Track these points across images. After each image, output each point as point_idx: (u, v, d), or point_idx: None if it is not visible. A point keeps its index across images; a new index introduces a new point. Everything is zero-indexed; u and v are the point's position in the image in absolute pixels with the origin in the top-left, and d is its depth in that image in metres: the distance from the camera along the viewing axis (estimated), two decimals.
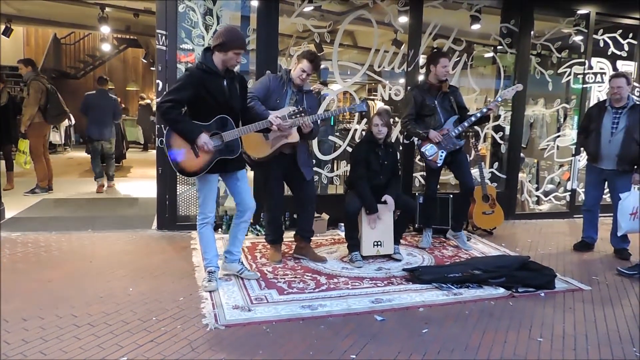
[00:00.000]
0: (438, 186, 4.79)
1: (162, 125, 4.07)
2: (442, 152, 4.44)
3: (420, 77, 5.34)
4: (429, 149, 4.46)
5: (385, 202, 4.10)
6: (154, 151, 4.89)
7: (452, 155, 4.51)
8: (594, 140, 4.51)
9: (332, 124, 6.18)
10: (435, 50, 5.29)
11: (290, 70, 3.86)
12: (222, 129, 3.25)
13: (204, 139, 3.18)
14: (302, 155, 3.91)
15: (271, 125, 3.43)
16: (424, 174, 4.96)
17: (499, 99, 4.59)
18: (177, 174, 4.67)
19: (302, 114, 3.54)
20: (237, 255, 3.61)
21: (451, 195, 4.95)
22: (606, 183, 4.63)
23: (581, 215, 4.96)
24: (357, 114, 5.85)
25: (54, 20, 10.01)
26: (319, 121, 3.86)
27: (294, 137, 3.75)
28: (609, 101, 4.50)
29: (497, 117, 5.89)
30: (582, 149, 5.53)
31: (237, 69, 4.69)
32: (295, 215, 4.64)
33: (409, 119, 4.51)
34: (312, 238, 4.19)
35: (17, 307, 2.95)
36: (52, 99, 6.39)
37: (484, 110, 4.49)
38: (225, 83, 3.27)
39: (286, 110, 3.60)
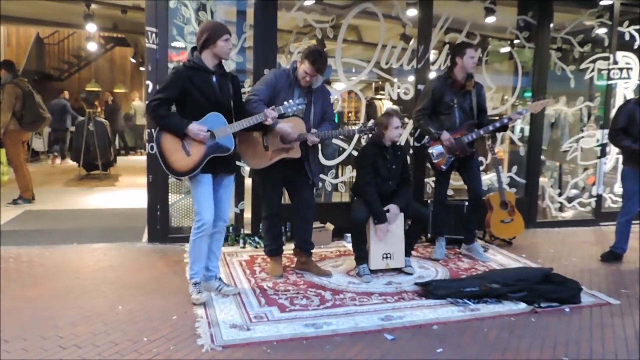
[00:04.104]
0: (452, 192, 4.76)
1: (153, 129, 4.10)
2: (450, 157, 4.44)
3: (432, 74, 5.34)
4: (436, 151, 4.46)
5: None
6: (138, 157, 4.90)
7: (461, 160, 4.50)
8: None
9: (335, 120, 6.17)
10: (458, 42, 5.24)
11: (296, 67, 3.79)
12: (214, 126, 3.28)
13: (195, 127, 3.22)
14: (314, 165, 3.93)
15: (265, 119, 3.40)
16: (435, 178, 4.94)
17: (524, 112, 4.57)
18: (169, 181, 4.73)
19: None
20: (213, 272, 3.62)
21: (466, 203, 4.86)
22: None
23: (608, 223, 4.93)
24: (363, 116, 5.88)
25: (37, 18, 10.10)
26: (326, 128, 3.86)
27: (296, 152, 3.75)
28: None
29: None
30: (620, 150, 5.41)
31: (232, 68, 4.74)
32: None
33: (423, 114, 4.48)
34: (314, 250, 4.18)
35: None
36: (28, 104, 6.35)
37: (504, 120, 4.46)
38: (214, 79, 3.33)
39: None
